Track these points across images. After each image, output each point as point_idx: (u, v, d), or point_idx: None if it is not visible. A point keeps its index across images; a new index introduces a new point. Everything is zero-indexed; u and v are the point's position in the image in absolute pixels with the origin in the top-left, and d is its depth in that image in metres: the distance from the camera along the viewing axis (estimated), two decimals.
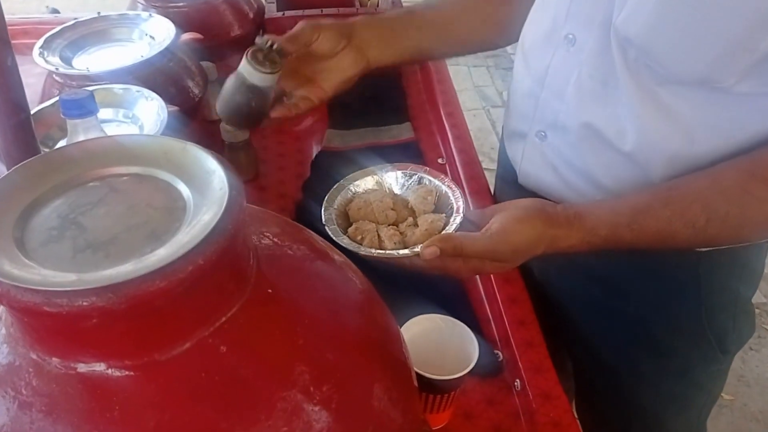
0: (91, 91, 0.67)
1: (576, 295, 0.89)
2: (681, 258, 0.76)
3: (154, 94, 0.85)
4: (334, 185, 0.72)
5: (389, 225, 0.68)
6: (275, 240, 0.43)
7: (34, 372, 0.34)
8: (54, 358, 0.33)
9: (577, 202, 0.73)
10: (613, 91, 0.69)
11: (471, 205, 0.93)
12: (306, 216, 0.89)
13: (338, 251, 0.50)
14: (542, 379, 0.71)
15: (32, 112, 0.61)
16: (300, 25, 0.75)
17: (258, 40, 0.74)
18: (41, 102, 0.87)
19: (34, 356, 0.34)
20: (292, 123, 1.20)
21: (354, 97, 1.23)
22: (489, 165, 1.29)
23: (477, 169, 1.02)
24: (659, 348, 0.84)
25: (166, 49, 0.95)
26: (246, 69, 0.70)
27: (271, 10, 1.30)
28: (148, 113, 0.83)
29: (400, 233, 0.66)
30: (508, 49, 0.97)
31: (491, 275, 0.83)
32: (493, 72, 3.13)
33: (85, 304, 0.30)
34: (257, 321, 0.37)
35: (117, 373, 0.33)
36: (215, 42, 1.15)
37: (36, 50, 0.93)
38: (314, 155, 1.10)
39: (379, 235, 0.66)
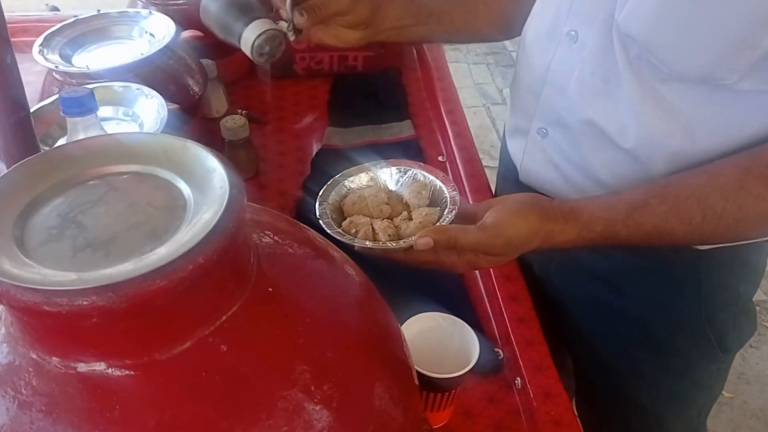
0: (91, 89, 0.67)
1: (576, 294, 0.89)
2: (681, 256, 0.75)
3: (154, 92, 0.84)
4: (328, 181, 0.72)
5: (384, 219, 0.68)
6: (276, 238, 0.43)
7: (34, 371, 0.33)
8: (54, 358, 0.33)
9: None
10: (614, 88, 0.69)
11: (471, 202, 0.93)
12: (306, 214, 0.89)
13: (339, 249, 0.50)
14: (543, 378, 0.71)
15: (32, 110, 0.61)
16: None
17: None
18: (41, 100, 0.87)
19: (34, 356, 0.34)
20: (292, 121, 1.20)
21: (354, 95, 1.23)
22: (489, 163, 1.29)
23: (477, 167, 1.02)
24: (659, 347, 0.84)
25: (166, 46, 0.95)
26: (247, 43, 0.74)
27: None
28: (148, 111, 0.83)
29: (395, 226, 0.66)
30: (509, 46, 0.96)
31: (492, 273, 0.83)
32: (494, 69, 3.13)
33: (85, 303, 0.30)
34: (258, 320, 0.37)
35: (117, 373, 0.33)
36: (215, 39, 1.13)
37: (35, 48, 0.93)
38: (314, 153, 1.10)
39: (373, 228, 0.66)
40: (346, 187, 0.71)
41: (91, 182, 0.38)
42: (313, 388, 0.36)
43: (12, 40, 0.55)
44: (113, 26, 1.02)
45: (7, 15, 0.54)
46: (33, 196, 0.36)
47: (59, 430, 0.33)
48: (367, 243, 0.63)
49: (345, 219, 0.68)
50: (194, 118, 1.03)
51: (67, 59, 0.94)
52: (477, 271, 0.88)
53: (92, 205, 0.36)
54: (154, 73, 0.94)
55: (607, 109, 0.70)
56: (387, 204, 0.69)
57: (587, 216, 0.65)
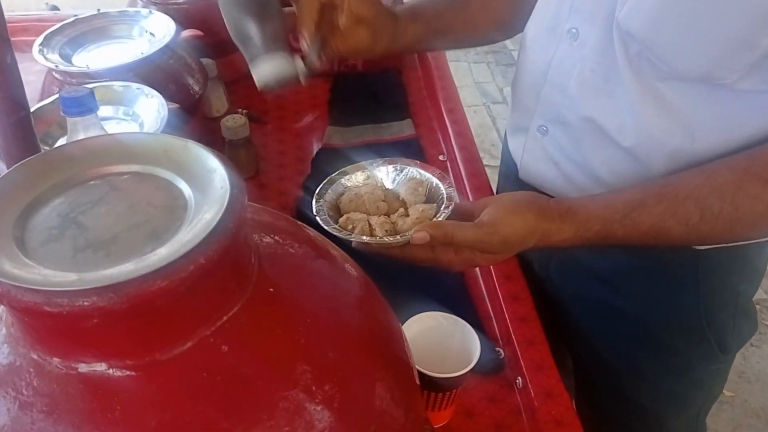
0: (91, 89, 0.66)
1: (576, 293, 0.89)
2: (680, 256, 0.75)
3: (154, 92, 0.84)
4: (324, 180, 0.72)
5: (380, 215, 0.68)
6: (276, 238, 0.43)
7: (34, 372, 0.33)
8: (55, 358, 0.33)
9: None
10: (614, 86, 0.69)
11: (471, 201, 0.93)
12: (306, 213, 0.89)
13: (340, 249, 0.50)
14: (544, 377, 0.71)
15: (32, 110, 0.61)
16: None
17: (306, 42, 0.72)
18: (41, 99, 0.87)
19: (34, 356, 0.34)
20: (292, 120, 1.20)
21: (354, 94, 1.23)
22: (489, 161, 1.29)
23: (478, 166, 1.02)
24: (659, 347, 0.84)
25: (166, 46, 0.95)
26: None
27: None
28: (149, 110, 0.83)
29: (392, 223, 0.66)
30: (509, 45, 0.96)
31: (493, 273, 0.83)
32: (494, 68, 3.13)
33: (85, 303, 0.30)
34: (259, 320, 0.37)
35: (118, 373, 0.33)
36: (215, 39, 1.14)
37: (35, 47, 0.93)
38: (315, 152, 1.10)
39: (370, 225, 0.66)
40: (342, 185, 0.71)
41: (91, 182, 0.38)
42: (314, 388, 0.36)
43: (12, 39, 0.55)
44: (113, 26, 1.02)
45: (7, 14, 0.54)
46: (33, 196, 0.36)
47: (60, 430, 0.33)
48: (364, 238, 0.63)
49: (342, 216, 0.68)
50: (194, 117, 1.03)
51: (67, 59, 0.94)
52: (478, 271, 0.88)
53: (93, 206, 0.36)
54: (155, 73, 0.94)
55: (607, 107, 0.70)
56: (384, 201, 0.69)
57: (584, 215, 0.64)
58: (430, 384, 0.64)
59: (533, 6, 0.80)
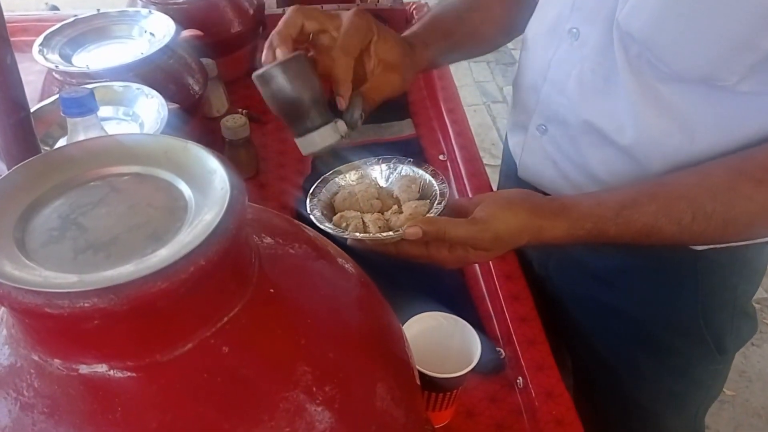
0: (91, 89, 0.66)
1: (575, 293, 0.89)
2: (680, 256, 0.75)
3: (154, 92, 0.84)
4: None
5: (374, 213, 0.69)
6: (277, 239, 0.43)
7: (35, 373, 0.33)
8: (56, 360, 0.33)
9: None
10: (614, 86, 0.69)
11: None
12: (303, 213, 0.89)
13: (340, 250, 0.50)
14: (544, 377, 0.71)
15: (32, 110, 0.61)
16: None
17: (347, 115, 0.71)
18: (41, 100, 0.87)
19: (35, 358, 0.34)
20: None
21: None
22: (490, 161, 1.29)
23: (478, 166, 1.02)
24: (658, 346, 0.84)
25: (166, 46, 0.95)
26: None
27: (272, 7, 1.30)
28: (149, 111, 0.83)
29: (385, 219, 0.67)
30: (509, 44, 0.96)
31: (493, 272, 0.83)
32: (494, 67, 3.13)
33: (86, 305, 0.30)
34: (259, 321, 0.37)
35: (119, 375, 0.33)
36: (215, 39, 1.15)
37: (35, 48, 0.93)
38: None
39: (363, 222, 0.66)
40: (336, 183, 0.72)
41: (91, 183, 0.38)
42: (314, 389, 0.36)
43: (12, 39, 0.54)
44: (113, 26, 1.02)
45: (7, 15, 0.54)
46: (34, 197, 0.36)
47: (61, 431, 0.33)
48: (358, 235, 0.63)
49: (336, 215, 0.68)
50: (194, 117, 1.03)
51: (67, 59, 0.94)
52: (478, 271, 0.88)
53: (93, 207, 0.36)
54: (154, 73, 0.94)
55: (607, 107, 0.70)
56: (377, 199, 0.69)
57: (577, 213, 0.65)
58: (430, 384, 0.64)
59: (534, 6, 0.80)
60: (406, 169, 0.72)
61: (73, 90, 0.66)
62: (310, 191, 0.70)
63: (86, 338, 0.32)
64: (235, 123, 1.00)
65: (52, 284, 0.30)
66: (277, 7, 1.29)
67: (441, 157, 1.09)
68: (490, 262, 0.85)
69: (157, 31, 0.99)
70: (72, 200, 0.36)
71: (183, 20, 1.03)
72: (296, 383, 0.36)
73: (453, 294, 0.84)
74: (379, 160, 0.73)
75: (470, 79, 3.03)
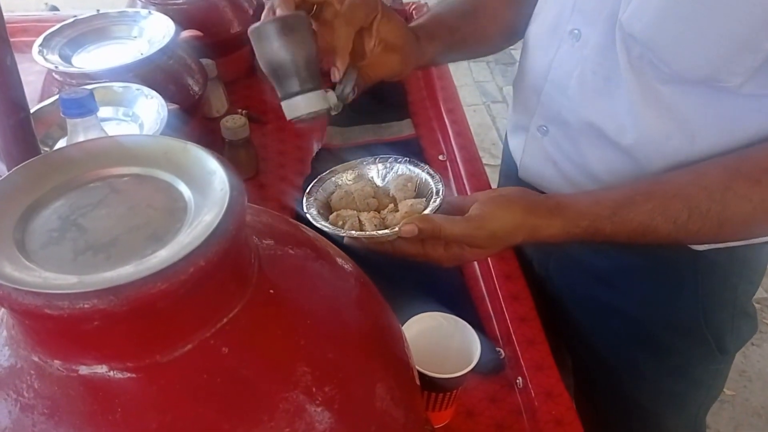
0: (91, 90, 0.66)
1: (575, 292, 0.89)
2: (680, 256, 0.75)
3: (153, 92, 0.84)
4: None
5: (370, 211, 0.69)
6: (276, 240, 0.43)
7: (35, 374, 0.33)
8: (56, 361, 0.33)
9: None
10: (615, 87, 0.69)
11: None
12: (300, 213, 0.90)
13: (340, 250, 0.50)
14: (544, 377, 0.71)
15: (32, 111, 0.61)
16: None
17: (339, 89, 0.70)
18: (41, 100, 0.87)
19: (35, 359, 0.34)
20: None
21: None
22: (490, 161, 1.29)
23: (478, 166, 1.02)
24: (658, 346, 0.84)
25: (166, 46, 0.95)
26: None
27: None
28: (148, 111, 0.83)
29: (381, 218, 0.67)
30: None
31: (493, 272, 0.83)
32: (494, 67, 3.13)
33: (86, 306, 0.30)
34: (259, 322, 0.37)
35: (119, 375, 0.33)
36: (215, 39, 1.15)
37: (35, 48, 0.93)
38: (315, 153, 1.10)
39: (360, 221, 0.66)
40: (333, 183, 0.72)
41: (91, 184, 0.38)
42: (314, 389, 0.36)
43: (12, 40, 0.55)
44: (113, 26, 1.02)
45: (6, 15, 0.54)
46: (34, 198, 0.36)
47: None
48: (354, 233, 0.63)
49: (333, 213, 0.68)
50: (194, 118, 1.03)
51: (66, 59, 0.94)
52: (478, 271, 0.88)
53: (93, 208, 0.36)
54: (154, 73, 0.94)
55: (607, 108, 0.70)
56: (374, 198, 0.69)
57: (573, 211, 0.65)
58: (430, 384, 0.64)
59: (532, 9, 0.80)
60: (403, 168, 0.72)
61: (73, 91, 0.66)
62: (307, 190, 0.70)
63: (86, 339, 0.32)
64: (234, 123, 1.00)
65: (51, 285, 0.30)
66: None
67: (441, 157, 1.09)
68: (490, 262, 0.85)
69: (157, 32, 0.99)
70: (72, 201, 0.36)
71: (183, 21, 1.03)
72: (296, 384, 0.36)
73: (453, 294, 0.84)
74: (375, 159, 0.73)
75: (470, 79, 3.03)
